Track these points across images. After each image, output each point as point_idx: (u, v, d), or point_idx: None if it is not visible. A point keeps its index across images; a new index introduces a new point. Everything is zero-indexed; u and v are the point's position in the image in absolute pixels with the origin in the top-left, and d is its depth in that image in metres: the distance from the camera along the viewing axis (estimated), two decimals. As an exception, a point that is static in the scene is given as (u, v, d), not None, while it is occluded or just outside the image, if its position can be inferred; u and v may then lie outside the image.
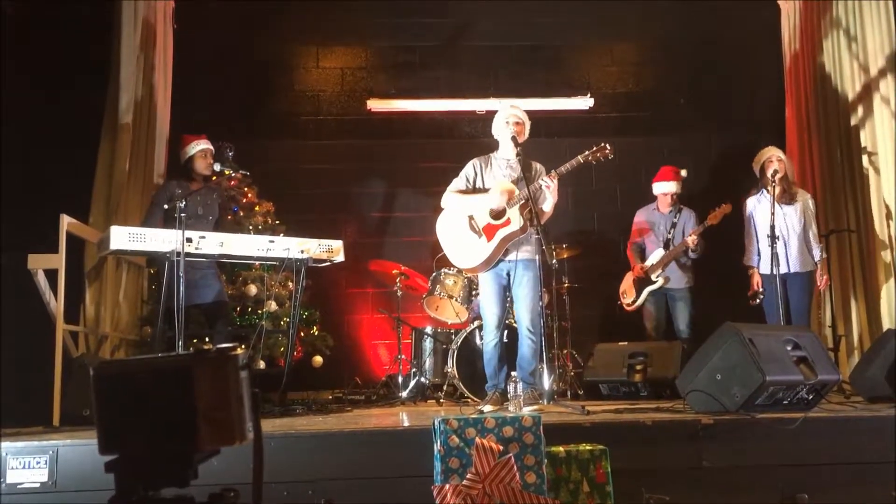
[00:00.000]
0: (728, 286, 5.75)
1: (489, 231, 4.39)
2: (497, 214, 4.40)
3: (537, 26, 7.20)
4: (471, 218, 4.45)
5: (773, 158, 5.42)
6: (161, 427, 1.18)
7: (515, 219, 4.34)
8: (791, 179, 5.58)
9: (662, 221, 5.90)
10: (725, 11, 7.01)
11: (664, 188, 5.89)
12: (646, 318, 5.86)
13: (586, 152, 4.41)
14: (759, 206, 5.53)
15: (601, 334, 6.36)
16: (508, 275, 4.46)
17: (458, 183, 4.57)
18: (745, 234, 5.63)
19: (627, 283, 5.91)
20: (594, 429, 3.21)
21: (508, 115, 4.55)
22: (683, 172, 5.93)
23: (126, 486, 1.21)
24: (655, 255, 5.79)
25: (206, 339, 5.01)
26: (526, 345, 4.37)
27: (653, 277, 5.75)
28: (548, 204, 4.38)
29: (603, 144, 4.41)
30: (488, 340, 4.47)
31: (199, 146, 5.03)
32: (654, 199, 6.01)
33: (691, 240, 5.57)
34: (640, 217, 6.02)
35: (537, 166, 4.55)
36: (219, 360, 1.20)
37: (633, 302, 5.83)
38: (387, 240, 7.01)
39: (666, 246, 5.79)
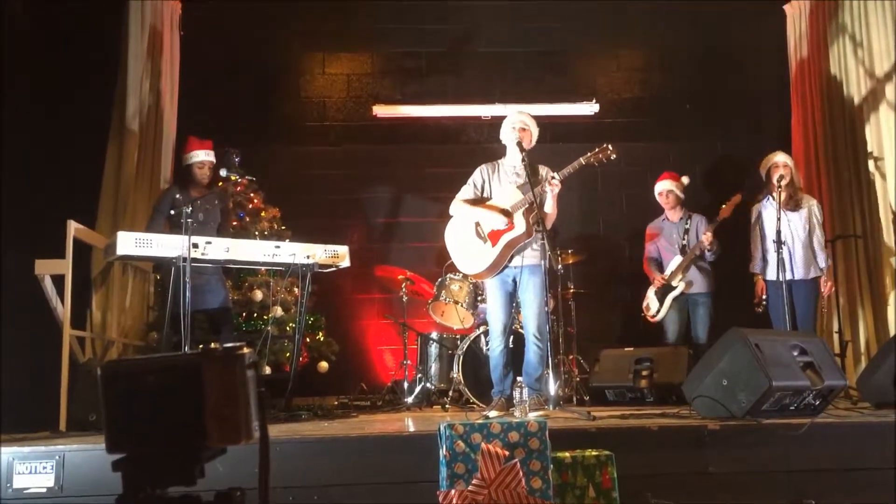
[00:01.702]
0: (744, 292, 5.70)
1: (494, 236, 4.40)
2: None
3: (543, 32, 7.21)
4: (477, 224, 4.46)
5: (780, 164, 5.40)
6: (168, 425, 1.18)
7: (520, 223, 4.34)
8: (797, 185, 5.55)
9: (675, 229, 5.86)
10: (731, 17, 7.00)
11: (659, 187, 5.89)
12: (668, 324, 5.78)
13: (588, 154, 4.42)
14: (764, 212, 5.50)
15: (607, 340, 6.33)
16: (514, 281, 4.45)
17: (467, 191, 4.60)
18: (750, 240, 5.61)
19: (649, 297, 5.84)
20: (600, 434, 3.21)
21: (515, 121, 4.58)
22: (685, 179, 5.91)
23: (133, 484, 1.21)
24: (674, 263, 5.75)
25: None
26: (532, 351, 4.37)
27: (673, 283, 5.69)
28: (548, 205, 4.39)
29: (605, 145, 4.42)
30: (494, 347, 4.46)
31: (198, 157, 5.06)
32: (662, 209, 5.98)
33: (706, 238, 5.52)
34: (652, 230, 6.00)
35: (544, 171, 4.56)
36: (226, 358, 1.20)
37: (658, 312, 5.76)
38: (392, 245, 7.01)
39: (682, 251, 5.76)
